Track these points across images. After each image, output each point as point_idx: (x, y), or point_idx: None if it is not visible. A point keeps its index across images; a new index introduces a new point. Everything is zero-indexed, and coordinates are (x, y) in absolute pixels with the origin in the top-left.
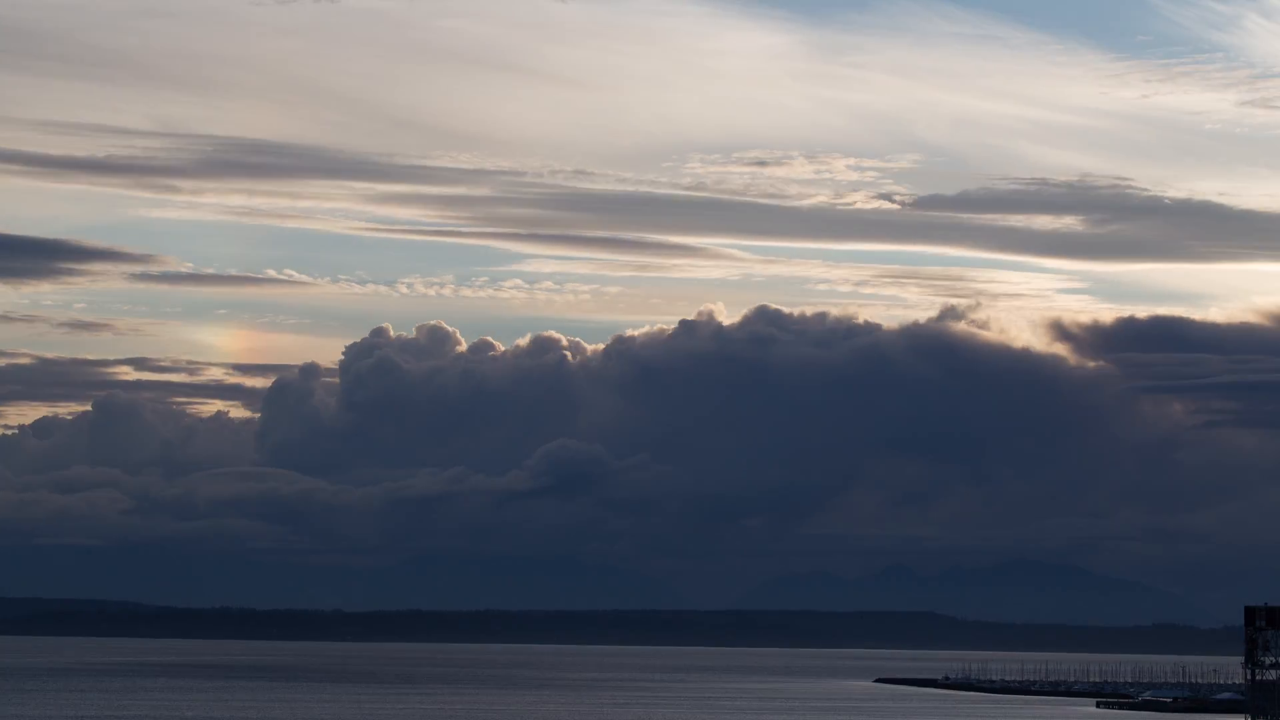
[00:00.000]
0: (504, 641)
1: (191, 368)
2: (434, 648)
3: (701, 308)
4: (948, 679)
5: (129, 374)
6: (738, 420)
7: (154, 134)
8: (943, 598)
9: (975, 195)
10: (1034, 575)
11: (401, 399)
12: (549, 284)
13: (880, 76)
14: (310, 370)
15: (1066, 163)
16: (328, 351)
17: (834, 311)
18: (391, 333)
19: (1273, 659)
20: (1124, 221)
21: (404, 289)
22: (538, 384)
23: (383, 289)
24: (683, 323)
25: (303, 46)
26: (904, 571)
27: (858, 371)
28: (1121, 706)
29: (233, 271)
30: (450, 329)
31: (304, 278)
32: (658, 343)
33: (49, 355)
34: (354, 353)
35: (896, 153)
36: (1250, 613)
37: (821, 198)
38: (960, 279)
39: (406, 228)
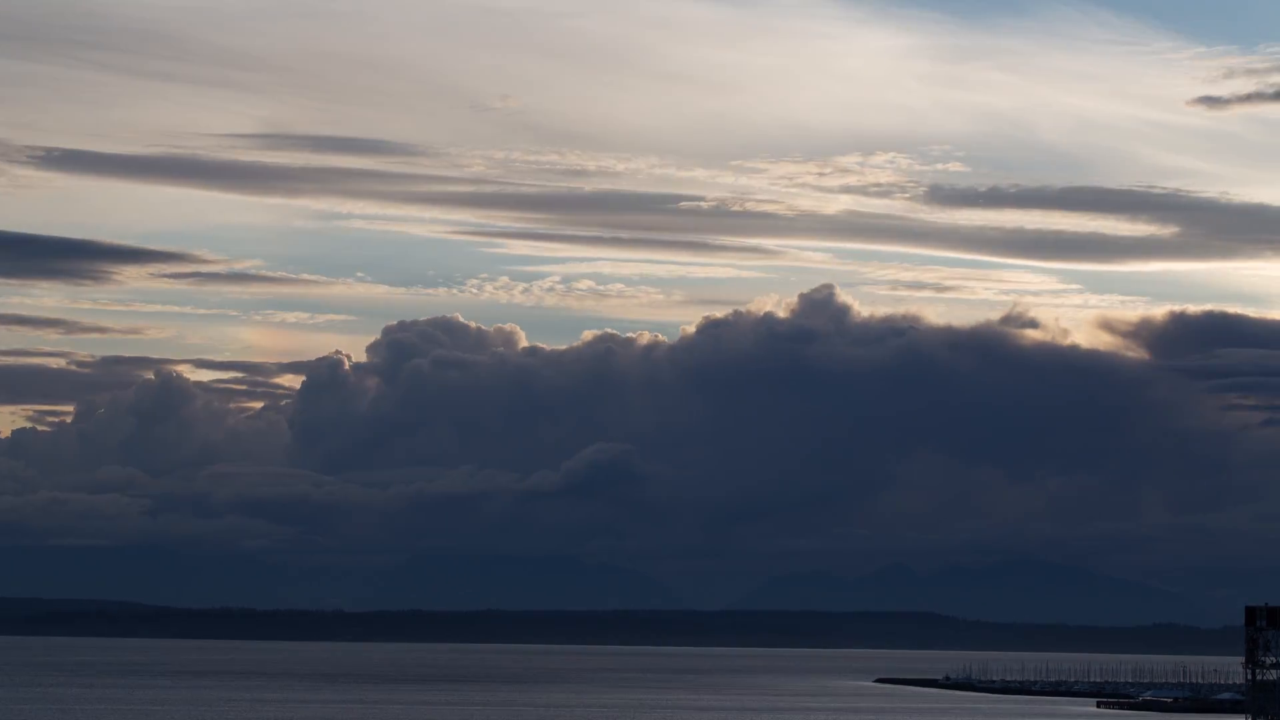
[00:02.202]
0: (505, 641)
1: (246, 367)
2: (434, 648)
3: (741, 310)
4: (948, 679)
5: (189, 373)
6: (746, 423)
7: (260, 136)
8: (943, 598)
9: (1080, 196)
10: (1034, 575)
11: (439, 398)
12: (620, 285)
13: (1008, 78)
14: (355, 368)
15: (1178, 166)
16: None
17: (891, 313)
18: (444, 332)
19: (1273, 659)
20: (1212, 224)
21: (473, 290)
22: (580, 386)
23: (454, 290)
24: (708, 326)
25: (424, 46)
26: (904, 571)
27: (886, 373)
28: (1122, 706)
29: (305, 275)
30: (509, 329)
31: (371, 279)
32: (684, 346)
33: (114, 354)
34: (397, 350)
35: (1011, 154)
36: (1251, 613)
37: (915, 197)
38: (1019, 284)
39: (490, 230)
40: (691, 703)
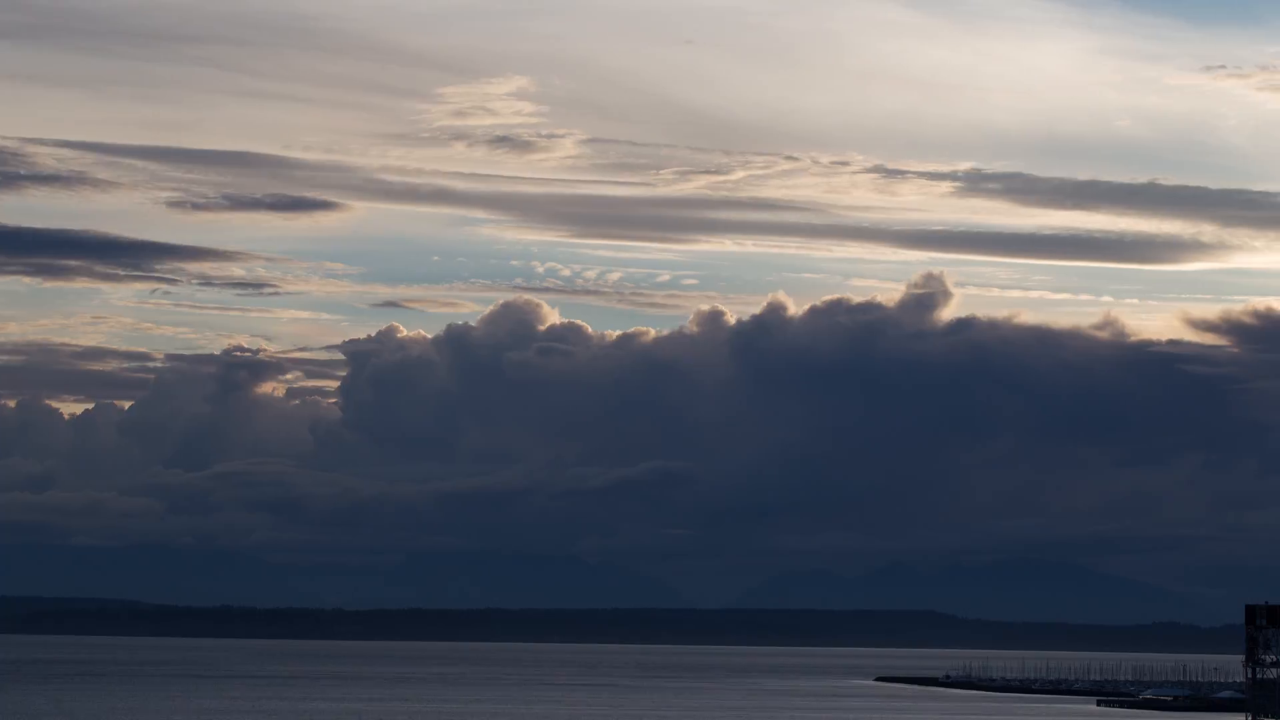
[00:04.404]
0: (504, 640)
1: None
2: (434, 646)
3: (760, 304)
4: (948, 677)
5: (187, 370)
6: (746, 418)
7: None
8: (943, 596)
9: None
10: (1034, 574)
11: (437, 398)
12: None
13: (1200, 79)
14: (378, 366)
15: None
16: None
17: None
18: (475, 330)
19: (1273, 657)
20: None
21: (542, 290)
22: (597, 380)
23: (526, 294)
24: (709, 318)
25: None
26: (904, 570)
27: (889, 372)
28: (1122, 705)
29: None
30: (542, 326)
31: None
32: (675, 340)
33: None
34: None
35: (1182, 154)
36: (1251, 611)
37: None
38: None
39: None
40: (691, 702)
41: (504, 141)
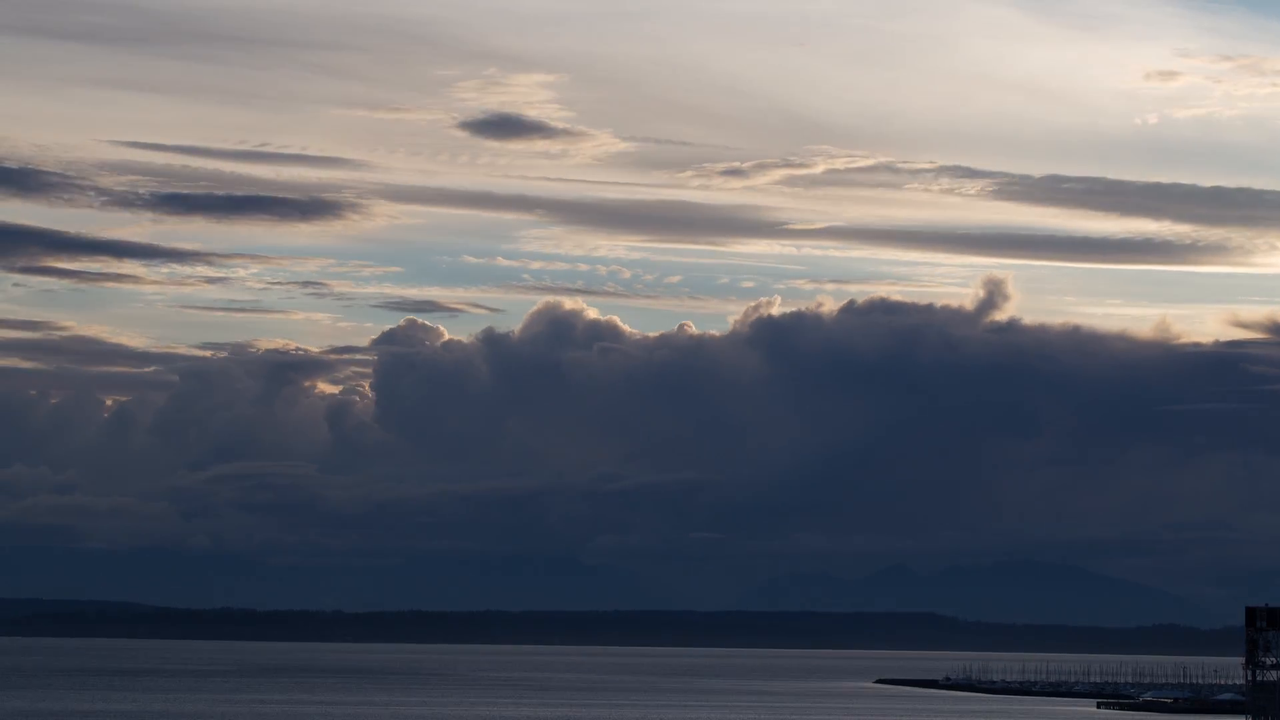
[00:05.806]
0: (504, 642)
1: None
2: (434, 648)
3: (808, 306)
4: (948, 680)
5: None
6: (745, 419)
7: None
8: (943, 598)
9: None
10: (1034, 575)
11: (435, 400)
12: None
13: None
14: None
15: None
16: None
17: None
18: (512, 334)
19: (1274, 659)
20: None
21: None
22: (621, 384)
23: (569, 296)
24: (748, 319)
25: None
26: (904, 571)
27: (884, 371)
28: (1122, 707)
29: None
30: (580, 328)
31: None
32: (711, 343)
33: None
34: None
35: (1246, 163)
36: (1251, 613)
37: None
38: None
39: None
40: (691, 703)
41: (551, 139)
